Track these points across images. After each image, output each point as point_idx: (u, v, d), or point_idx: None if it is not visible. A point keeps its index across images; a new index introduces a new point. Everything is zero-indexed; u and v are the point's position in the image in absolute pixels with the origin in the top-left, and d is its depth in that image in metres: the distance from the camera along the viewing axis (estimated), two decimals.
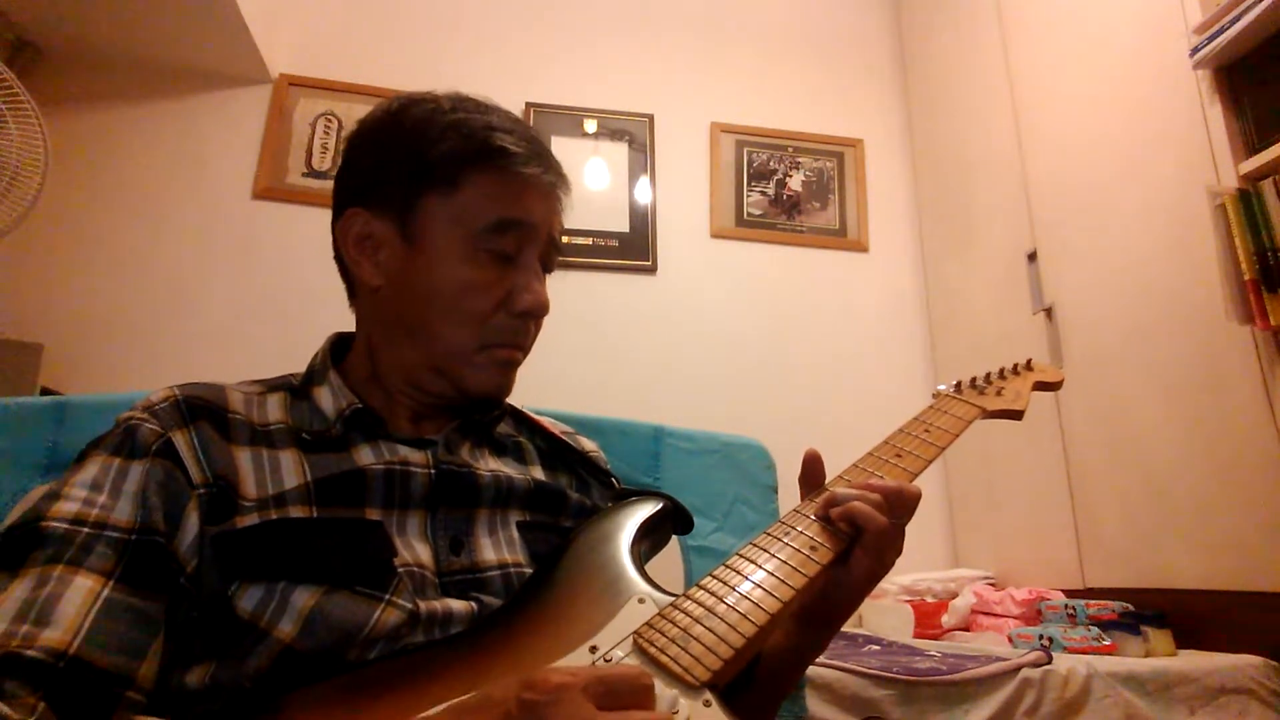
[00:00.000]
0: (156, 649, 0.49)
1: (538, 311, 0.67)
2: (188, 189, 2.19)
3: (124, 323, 2.04)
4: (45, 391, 1.74)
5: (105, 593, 0.48)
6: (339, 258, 0.70)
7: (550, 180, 0.67)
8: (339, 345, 0.72)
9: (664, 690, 0.44)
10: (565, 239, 2.32)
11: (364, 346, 0.69)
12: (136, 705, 0.47)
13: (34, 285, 2.01)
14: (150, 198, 2.15)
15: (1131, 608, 1.53)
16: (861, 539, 0.56)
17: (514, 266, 0.65)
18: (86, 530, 0.50)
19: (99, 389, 1.85)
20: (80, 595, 0.47)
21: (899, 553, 0.58)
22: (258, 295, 2.14)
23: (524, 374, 0.70)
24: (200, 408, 0.59)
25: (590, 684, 0.37)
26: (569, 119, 2.50)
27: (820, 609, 0.60)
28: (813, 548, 0.55)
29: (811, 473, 0.63)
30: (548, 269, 0.70)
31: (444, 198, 0.64)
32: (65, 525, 0.50)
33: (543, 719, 0.36)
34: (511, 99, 2.42)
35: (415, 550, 0.58)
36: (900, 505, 0.57)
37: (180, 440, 0.56)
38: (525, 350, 0.69)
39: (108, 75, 2.20)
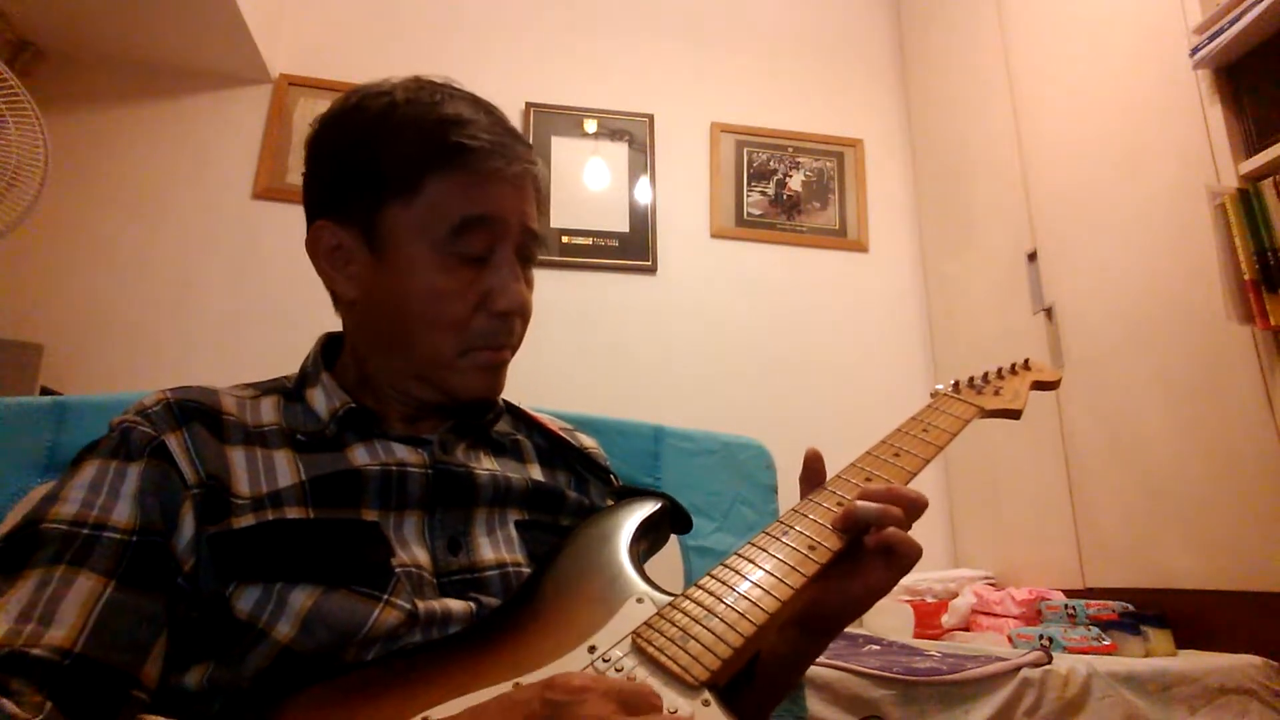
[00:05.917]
0: (160, 648, 0.50)
1: (516, 311, 0.64)
2: (188, 189, 2.19)
3: (124, 323, 2.04)
4: (45, 391, 1.74)
5: (107, 592, 0.48)
6: None
7: (517, 170, 0.63)
8: (329, 346, 0.71)
9: (663, 690, 0.44)
10: (565, 239, 2.37)
11: (351, 353, 0.69)
12: (141, 704, 0.47)
13: (34, 285, 2.00)
14: (150, 198, 2.15)
15: (1131, 608, 1.52)
16: (890, 559, 0.55)
17: (488, 266, 0.63)
18: (86, 531, 0.50)
19: (99, 389, 1.85)
20: (83, 595, 0.47)
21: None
22: (258, 295, 2.14)
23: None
24: (193, 410, 0.59)
25: (610, 690, 0.38)
26: (569, 119, 2.49)
27: (823, 614, 0.59)
28: (811, 547, 0.55)
29: (812, 472, 0.63)
30: (528, 260, 0.67)
31: (405, 205, 0.61)
32: (65, 527, 0.50)
33: (567, 718, 0.37)
34: (511, 99, 2.42)
35: (413, 551, 0.58)
36: (916, 513, 0.57)
37: (174, 442, 0.56)
38: (512, 349, 0.67)
39: (108, 75, 2.20)
